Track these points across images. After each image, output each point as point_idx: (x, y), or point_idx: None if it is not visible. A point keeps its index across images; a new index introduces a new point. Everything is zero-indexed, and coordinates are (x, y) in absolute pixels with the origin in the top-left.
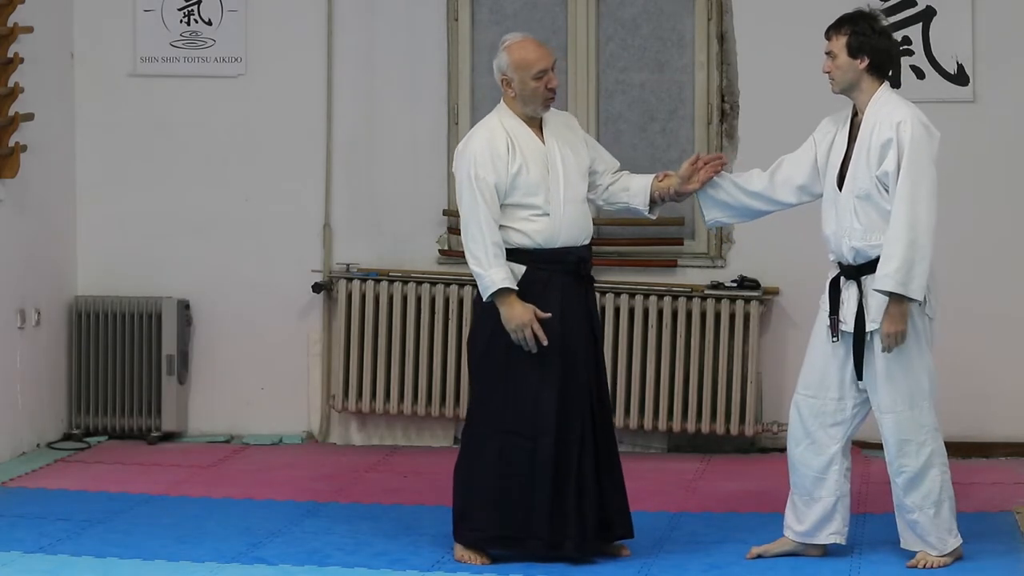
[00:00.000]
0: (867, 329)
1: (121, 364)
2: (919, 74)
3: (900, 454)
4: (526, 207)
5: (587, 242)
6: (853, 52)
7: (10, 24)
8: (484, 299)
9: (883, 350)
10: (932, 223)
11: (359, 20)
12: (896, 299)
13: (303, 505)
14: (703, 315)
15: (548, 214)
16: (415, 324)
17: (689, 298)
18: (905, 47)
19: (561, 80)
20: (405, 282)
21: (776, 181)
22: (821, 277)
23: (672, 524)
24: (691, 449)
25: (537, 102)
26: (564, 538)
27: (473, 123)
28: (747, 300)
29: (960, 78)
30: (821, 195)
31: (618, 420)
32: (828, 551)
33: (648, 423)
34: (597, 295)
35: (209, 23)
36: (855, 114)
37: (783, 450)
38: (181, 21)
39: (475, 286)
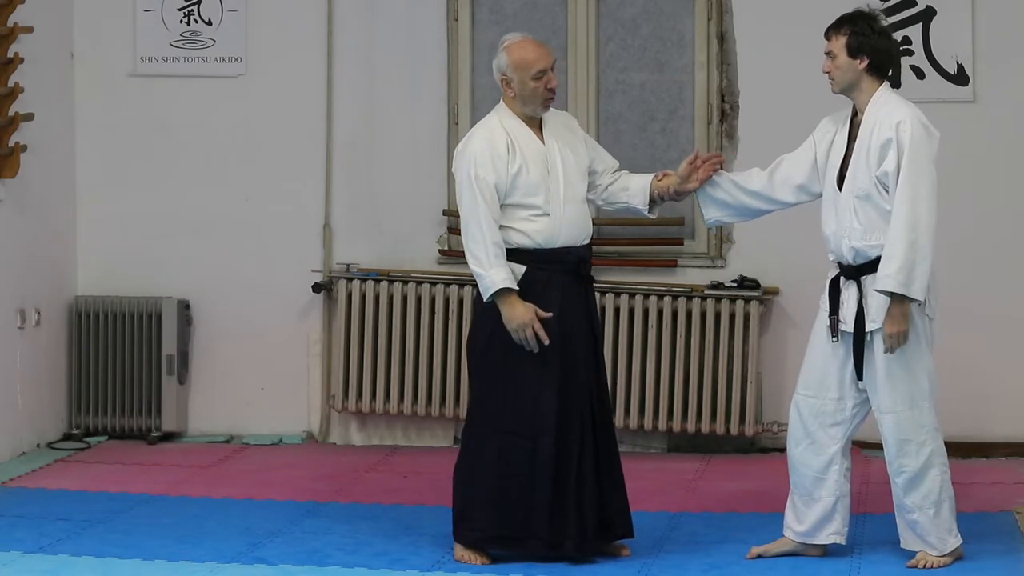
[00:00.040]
0: (867, 329)
1: (121, 364)
2: (919, 74)
3: (900, 454)
4: (526, 207)
5: (587, 242)
6: (853, 52)
7: (10, 24)
8: (485, 299)
9: (885, 351)
10: (932, 223)
11: (359, 20)
12: (898, 299)
13: (303, 505)
14: (703, 315)
15: (548, 214)
16: (415, 324)
17: (689, 298)
18: (905, 47)
19: (561, 80)
20: (405, 282)
21: (775, 180)
22: (821, 277)
23: (672, 524)
24: (691, 449)
25: (537, 102)
26: (564, 538)
27: (473, 123)
28: (747, 300)
29: (960, 78)
30: (820, 195)
31: (618, 420)
32: (828, 551)
33: (648, 423)
34: (597, 295)
35: (209, 23)
36: (855, 114)
37: (783, 450)
38: (181, 21)
39: (475, 286)
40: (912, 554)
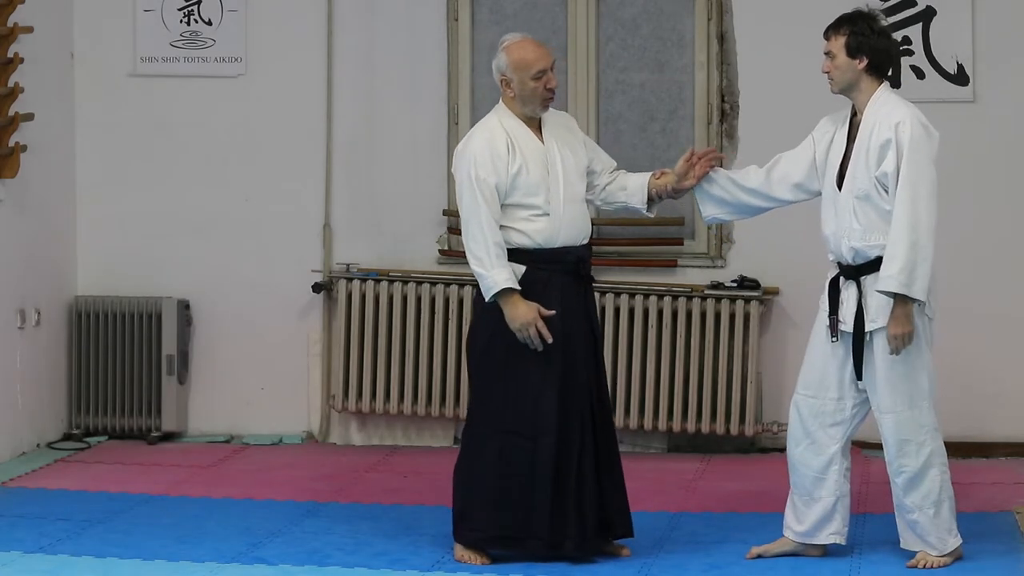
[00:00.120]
0: (866, 329)
1: (121, 364)
2: (919, 74)
3: (900, 454)
4: (526, 207)
5: (586, 242)
6: (852, 52)
7: (10, 24)
8: (487, 300)
9: (891, 352)
10: (933, 223)
11: (359, 20)
12: (900, 300)
13: (303, 505)
14: (703, 315)
15: (548, 214)
16: (415, 324)
17: (689, 298)
18: (905, 47)
19: (561, 80)
20: (405, 282)
21: (773, 178)
22: (821, 277)
23: (672, 524)
24: (691, 449)
25: (536, 102)
26: (564, 538)
27: (473, 123)
28: (747, 300)
29: (960, 78)
30: (818, 193)
31: (618, 420)
32: (828, 551)
33: (648, 423)
34: (597, 295)
35: (209, 23)
36: (854, 114)
37: (783, 450)
38: (181, 21)
39: (475, 286)
40: (912, 554)
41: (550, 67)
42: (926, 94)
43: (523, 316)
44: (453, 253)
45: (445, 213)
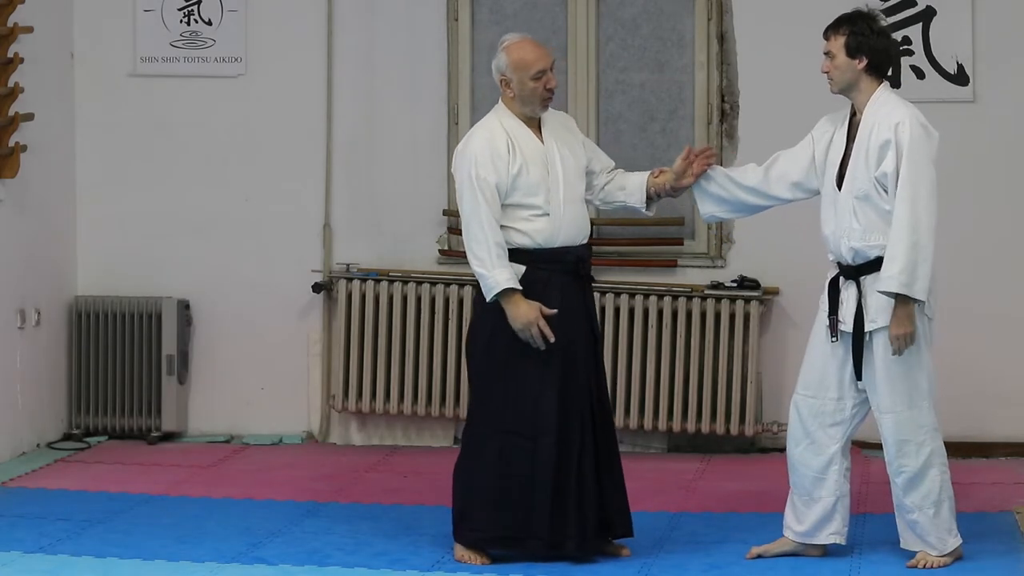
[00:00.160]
0: (866, 329)
1: (121, 364)
2: (919, 74)
3: (899, 454)
4: (526, 207)
5: (585, 241)
6: (851, 52)
7: (10, 24)
8: (489, 300)
9: (893, 353)
10: (933, 224)
11: (359, 20)
12: (901, 300)
13: (303, 505)
14: (703, 315)
15: (548, 214)
16: (415, 324)
17: (689, 298)
18: (905, 47)
19: (561, 80)
20: (405, 282)
21: (771, 176)
22: (821, 277)
23: (672, 524)
24: (691, 449)
25: (536, 102)
26: (564, 538)
27: (473, 123)
28: (747, 300)
29: (960, 78)
30: (816, 192)
31: (618, 420)
32: (828, 551)
33: (648, 423)
34: (597, 295)
35: (209, 23)
36: (853, 114)
37: (783, 450)
38: (181, 21)
39: (475, 286)
40: (912, 554)
41: (550, 67)
42: (926, 94)
43: (525, 316)
44: (453, 253)
45: (445, 213)
